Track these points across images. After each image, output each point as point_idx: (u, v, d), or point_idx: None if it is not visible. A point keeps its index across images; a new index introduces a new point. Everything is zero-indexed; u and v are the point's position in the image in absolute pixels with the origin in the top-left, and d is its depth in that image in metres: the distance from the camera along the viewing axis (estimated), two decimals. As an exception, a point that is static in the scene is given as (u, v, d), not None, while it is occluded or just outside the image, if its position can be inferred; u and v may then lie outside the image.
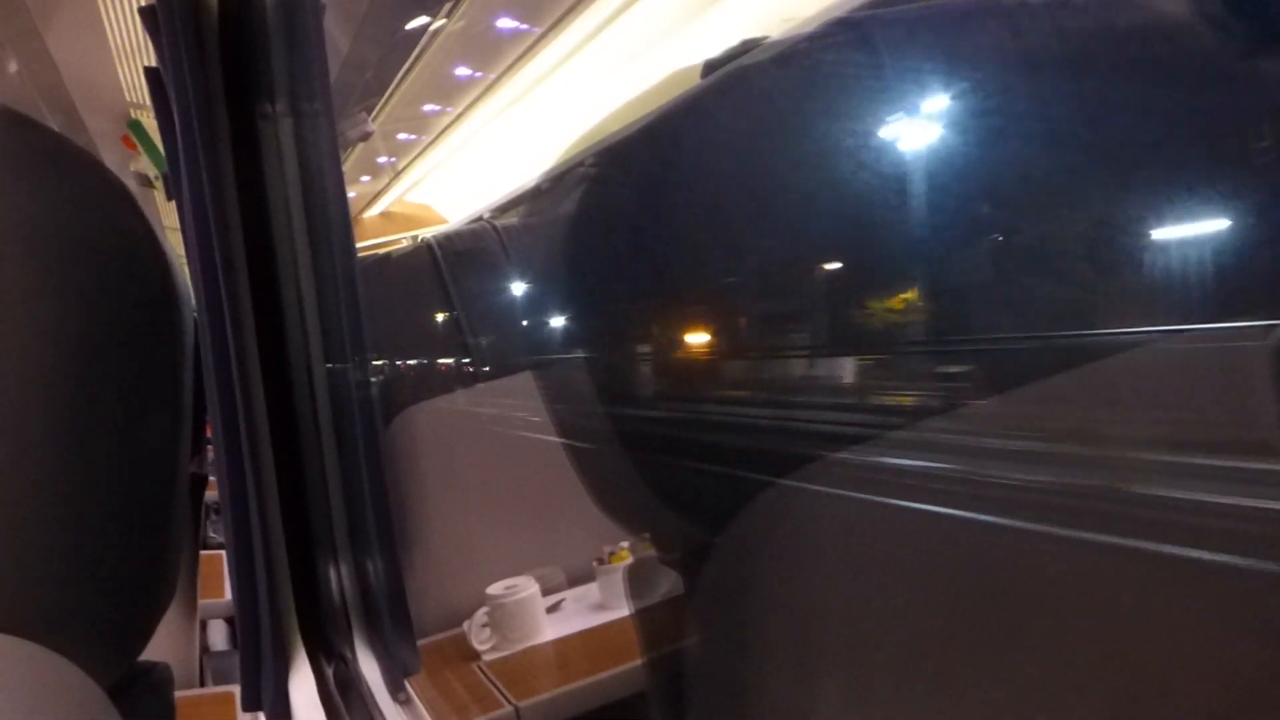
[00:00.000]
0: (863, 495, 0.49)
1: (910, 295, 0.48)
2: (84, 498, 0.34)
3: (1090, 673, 0.39)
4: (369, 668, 1.18)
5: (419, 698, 1.14)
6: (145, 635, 0.39)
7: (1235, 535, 0.35)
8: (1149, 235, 0.42)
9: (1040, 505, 0.41)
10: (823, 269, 0.51)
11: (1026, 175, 0.45)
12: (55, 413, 0.33)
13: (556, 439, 0.67)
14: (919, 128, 0.48)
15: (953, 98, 0.47)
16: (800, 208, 0.52)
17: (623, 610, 1.49)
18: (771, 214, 0.52)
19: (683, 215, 0.55)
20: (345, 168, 1.29)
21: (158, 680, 0.41)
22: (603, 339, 0.61)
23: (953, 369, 0.47)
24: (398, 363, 1.77)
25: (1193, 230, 0.41)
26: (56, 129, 0.39)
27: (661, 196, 0.56)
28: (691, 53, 0.60)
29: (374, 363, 1.28)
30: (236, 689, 1.28)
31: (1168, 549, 0.37)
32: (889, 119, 0.49)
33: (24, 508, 0.32)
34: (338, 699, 1.13)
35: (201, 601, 2.14)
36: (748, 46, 0.56)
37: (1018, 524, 0.42)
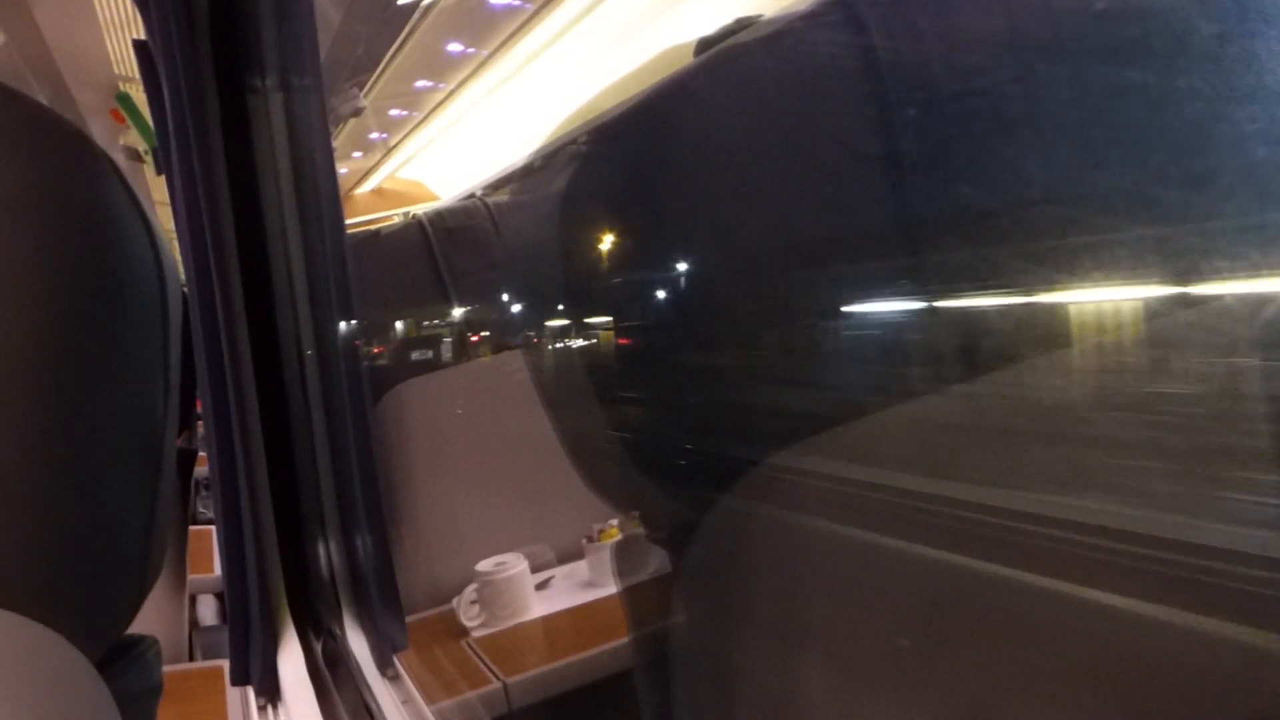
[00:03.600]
0: (847, 476, 0.49)
1: (899, 273, 0.48)
2: (71, 471, 0.34)
3: (1062, 656, 0.39)
4: (358, 644, 1.18)
5: (407, 674, 1.15)
6: (133, 609, 0.39)
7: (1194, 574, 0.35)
8: (1137, 214, 0.42)
9: (1021, 490, 0.42)
10: (810, 248, 0.51)
11: (1015, 155, 0.45)
12: (40, 385, 0.33)
13: (546, 416, 0.67)
14: (908, 108, 0.48)
15: (942, 78, 0.47)
16: (789, 186, 0.52)
17: (611, 588, 1.50)
18: (760, 192, 0.52)
19: (673, 192, 0.55)
20: (337, 143, 1.29)
21: (146, 654, 0.41)
22: (591, 316, 0.61)
23: (949, 346, 0.47)
24: (388, 339, 1.76)
25: (1179, 209, 0.41)
26: (44, 102, 0.39)
27: (652, 174, 0.56)
28: (685, 30, 0.60)
29: (365, 340, 1.28)
30: (225, 664, 1.29)
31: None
32: (878, 99, 0.49)
33: (11, 482, 0.32)
34: (326, 674, 1.13)
35: (190, 576, 2.14)
36: (742, 25, 0.56)
37: (999, 506, 0.42)
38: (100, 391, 0.35)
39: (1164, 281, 0.40)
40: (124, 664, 0.38)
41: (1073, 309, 0.43)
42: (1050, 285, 0.43)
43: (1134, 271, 0.41)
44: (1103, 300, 0.42)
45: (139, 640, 0.40)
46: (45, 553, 0.33)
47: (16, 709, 0.29)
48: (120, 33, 2.49)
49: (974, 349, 0.46)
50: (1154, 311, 0.40)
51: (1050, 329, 0.43)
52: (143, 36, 1.09)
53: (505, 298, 1.67)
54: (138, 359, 0.37)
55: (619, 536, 1.48)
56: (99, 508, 0.35)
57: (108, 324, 0.36)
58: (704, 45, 0.57)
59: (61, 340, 0.33)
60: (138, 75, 1.15)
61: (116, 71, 2.67)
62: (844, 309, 0.50)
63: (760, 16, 0.55)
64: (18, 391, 0.32)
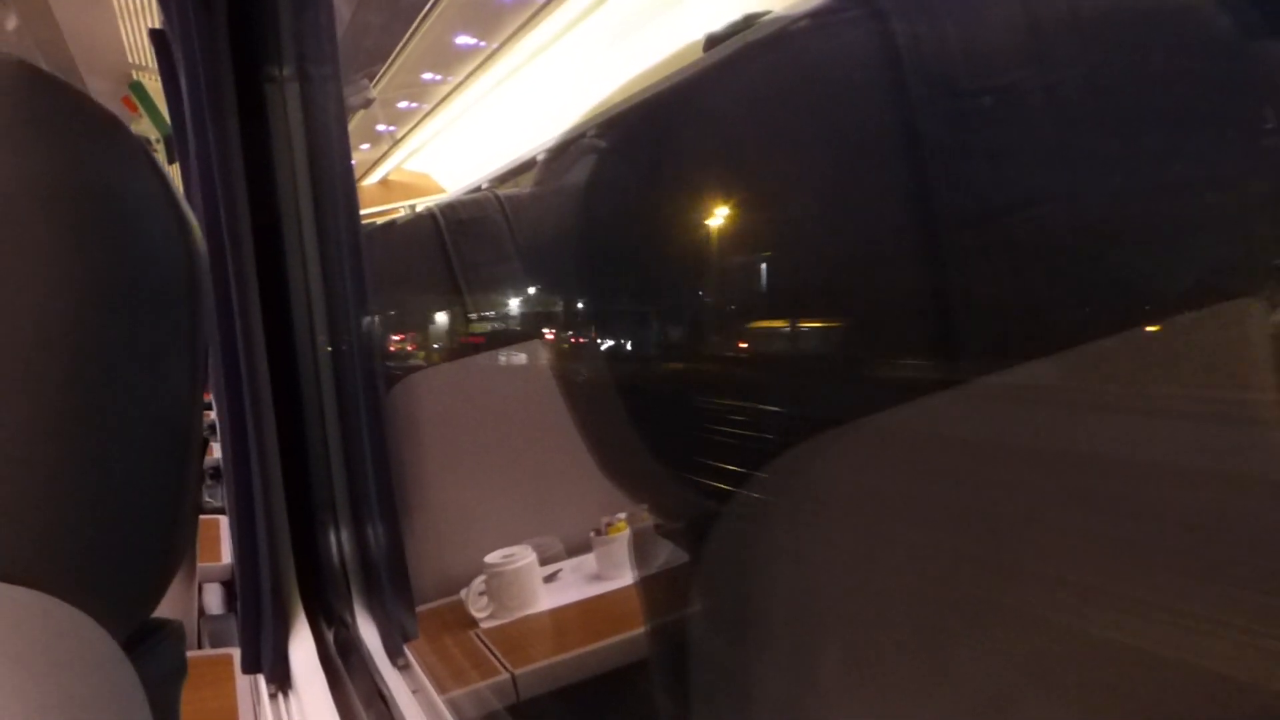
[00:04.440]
0: (865, 469, 0.49)
1: (920, 271, 0.48)
2: (100, 455, 0.34)
3: (1079, 656, 0.39)
4: (368, 633, 1.19)
5: (418, 663, 1.15)
6: (160, 591, 0.40)
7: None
8: (1157, 212, 0.42)
9: (1037, 488, 0.42)
10: (830, 246, 0.51)
11: (1035, 150, 0.45)
12: (73, 371, 0.33)
13: (564, 406, 0.67)
14: (929, 104, 0.48)
15: (964, 75, 0.47)
16: (813, 180, 0.52)
17: (619, 581, 1.50)
18: (784, 186, 0.53)
19: (698, 184, 0.55)
20: (347, 134, 1.28)
21: (171, 636, 0.41)
22: (613, 309, 0.61)
23: (968, 345, 0.47)
24: (400, 330, 1.76)
25: (1200, 208, 0.41)
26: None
27: (677, 166, 0.56)
28: (691, 26, 0.60)
29: (378, 330, 1.28)
30: (235, 651, 1.29)
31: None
32: (900, 96, 0.49)
33: (44, 465, 0.33)
34: (338, 663, 1.13)
35: (198, 565, 2.15)
36: (749, 21, 0.56)
37: (1015, 501, 0.43)
38: (129, 376, 0.35)
39: (1196, 280, 0.40)
40: (149, 645, 0.38)
41: (1099, 304, 0.43)
42: (1079, 280, 0.43)
43: (1166, 269, 0.41)
44: (1129, 297, 0.42)
45: (164, 623, 0.40)
46: (75, 535, 0.33)
47: (46, 687, 0.29)
48: (134, 20, 2.50)
49: (1003, 344, 0.46)
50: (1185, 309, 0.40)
51: (1080, 323, 0.43)
52: (158, 25, 1.09)
53: (518, 289, 1.67)
54: (167, 346, 0.38)
55: (628, 530, 1.48)
56: (127, 491, 0.35)
57: (138, 309, 0.36)
58: (712, 42, 0.57)
59: (92, 324, 0.34)
60: (151, 64, 1.15)
61: (130, 59, 2.68)
62: (870, 303, 0.50)
63: (768, 12, 0.55)
64: (48, 375, 0.32)
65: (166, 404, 0.38)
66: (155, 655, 0.38)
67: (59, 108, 0.36)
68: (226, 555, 2.28)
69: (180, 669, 0.41)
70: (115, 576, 0.36)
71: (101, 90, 2.75)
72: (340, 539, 1.24)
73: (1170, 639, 0.37)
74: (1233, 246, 0.41)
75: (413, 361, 1.67)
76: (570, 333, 0.64)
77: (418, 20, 3.76)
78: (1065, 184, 0.44)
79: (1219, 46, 0.43)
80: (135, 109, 2.72)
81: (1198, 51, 0.43)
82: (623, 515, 1.50)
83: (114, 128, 0.37)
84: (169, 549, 0.39)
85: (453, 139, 5.66)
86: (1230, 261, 0.41)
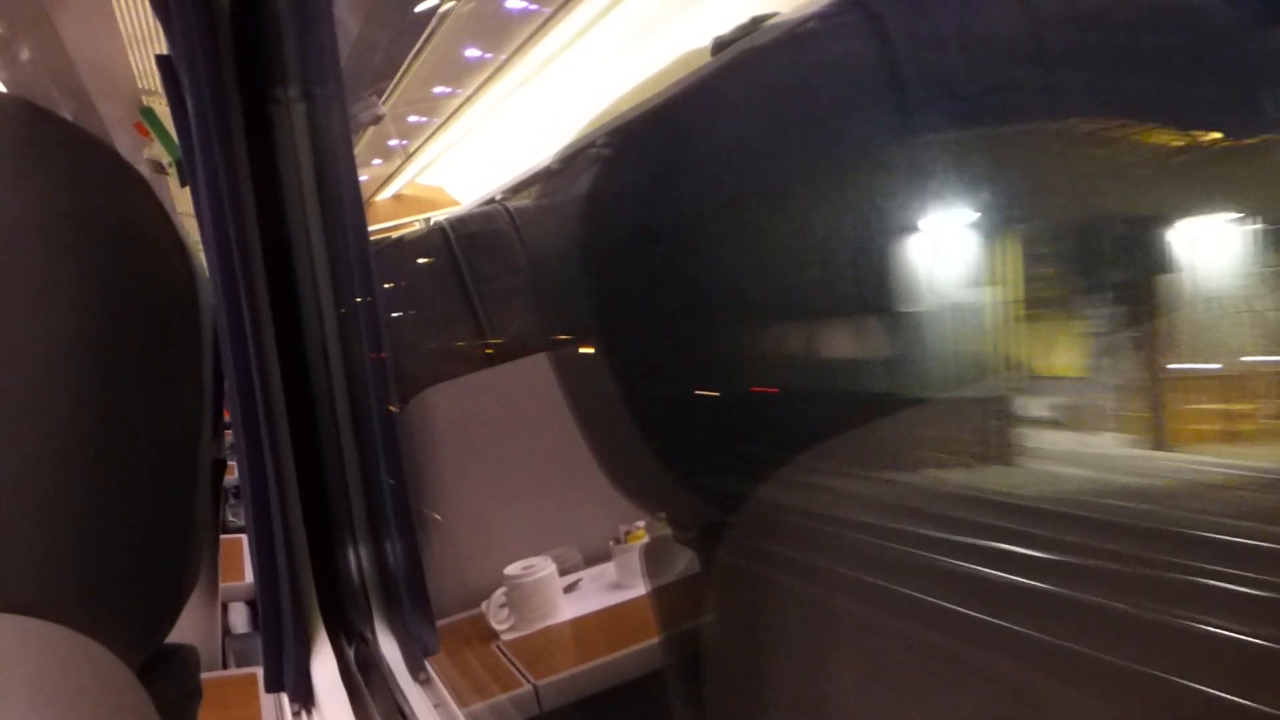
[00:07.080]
0: (876, 474, 0.49)
1: (922, 276, 0.48)
2: (109, 483, 0.35)
3: (1098, 655, 0.39)
4: (389, 648, 1.19)
5: (439, 677, 1.15)
6: (172, 617, 0.40)
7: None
8: (1165, 221, 0.42)
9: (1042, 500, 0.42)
10: (833, 251, 0.51)
11: (1034, 158, 0.45)
12: (79, 400, 0.34)
13: (572, 419, 0.67)
14: (929, 109, 0.48)
15: (962, 80, 0.47)
16: (812, 189, 0.52)
17: (639, 589, 1.50)
18: (783, 194, 0.53)
19: (697, 193, 0.55)
20: (357, 151, 1.29)
21: (185, 662, 0.41)
22: (619, 319, 0.61)
23: (974, 348, 0.47)
24: (413, 345, 1.77)
25: (1210, 212, 0.41)
26: (69, 116, 0.39)
27: (675, 175, 0.56)
28: (700, 30, 0.60)
29: (390, 346, 1.29)
30: (259, 670, 1.30)
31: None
32: (899, 101, 0.49)
33: (51, 494, 0.33)
34: (359, 679, 1.14)
35: (222, 584, 2.15)
36: (757, 23, 0.56)
37: (1023, 506, 0.42)
38: (137, 404, 0.36)
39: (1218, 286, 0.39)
40: (164, 671, 0.39)
41: (1103, 310, 0.43)
42: (1076, 287, 0.43)
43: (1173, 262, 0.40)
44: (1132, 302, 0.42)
45: (178, 649, 0.41)
46: (85, 564, 0.33)
47: (61, 718, 0.29)
48: (142, 47, 2.52)
49: (1001, 347, 0.46)
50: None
51: (1073, 330, 0.43)
52: (165, 51, 1.10)
53: (529, 301, 1.67)
54: (173, 371, 0.38)
55: (646, 538, 1.48)
56: (137, 518, 0.36)
57: (143, 338, 0.36)
58: (719, 45, 0.57)
59: (98, 354, 0.34)
60: (160, 89, 1.16)
61: (140, 85, 2.70)
62: (868, 310, 0.50)
63: (776, 14, 0.55)
64: (56, 405, 0.33)
65: (174, 429, 0.38)
66: (170, 681, 0.39)
67: (57, 142, 0.36)
68: (250, 574, 2.29)
69: (195, 693, 0.42)
70: (127, 604, 0.36)
71: (114, 116, 2.77)
72: (359, 555, 1.24)
73: (1188, 639, 0.36)
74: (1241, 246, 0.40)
75: (428, 375, 1.67)
76: (577, 344, 0.64)
77: (425, 34, 3.78)
78: (1064, 191, 0.44)
79: (1222, 42, 0.42)
80: (147, 134, 2.73)
81: (1199, 48, 0.43)
82: (641, 523, 1.50)
83: (111, 159, 0.38)
84: (181, 574, 0.39)
85: (465, 151, 5.68)
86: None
